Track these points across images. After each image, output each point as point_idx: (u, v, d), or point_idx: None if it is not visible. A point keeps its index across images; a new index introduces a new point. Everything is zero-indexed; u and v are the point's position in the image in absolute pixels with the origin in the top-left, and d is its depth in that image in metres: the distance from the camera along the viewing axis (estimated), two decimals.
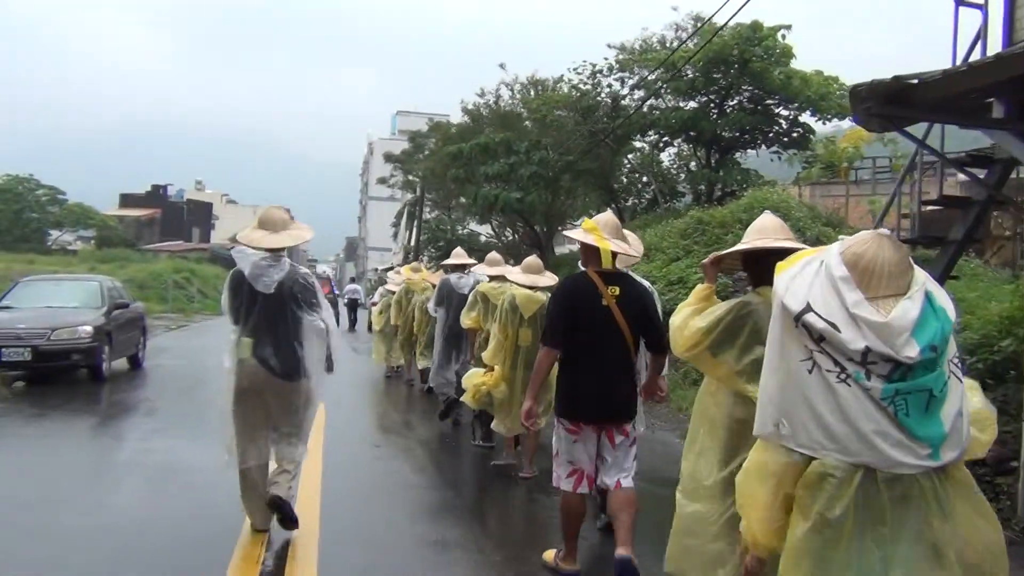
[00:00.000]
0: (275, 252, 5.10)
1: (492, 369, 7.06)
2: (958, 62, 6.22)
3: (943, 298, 2.45)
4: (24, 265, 35.80)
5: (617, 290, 4.50)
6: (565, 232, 5.50)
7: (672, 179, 24.65)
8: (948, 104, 5.12)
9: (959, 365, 2.45)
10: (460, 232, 35.17)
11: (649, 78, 21.49)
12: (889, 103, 5.03)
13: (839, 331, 2.34)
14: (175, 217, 73.27)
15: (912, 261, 2.48)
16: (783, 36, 19.54)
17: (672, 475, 3.76)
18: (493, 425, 7.31)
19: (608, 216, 4.93)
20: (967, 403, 2.46)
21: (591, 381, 4.48)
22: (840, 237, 3.25)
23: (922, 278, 2.46)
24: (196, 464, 7.13)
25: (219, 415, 5.18)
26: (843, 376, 2.35)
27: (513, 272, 7.32)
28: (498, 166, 21.68)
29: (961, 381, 2.44)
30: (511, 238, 34.17)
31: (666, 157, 25.72)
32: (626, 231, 5.03)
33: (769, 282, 2.75)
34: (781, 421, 2.46)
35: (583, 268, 4.75)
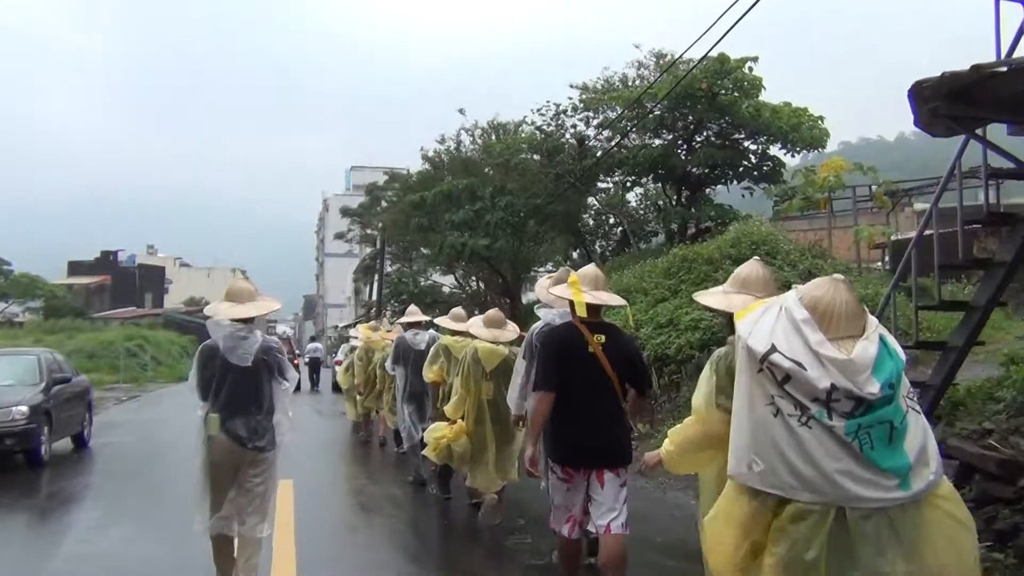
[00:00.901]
0: (245, 323, 5.09)
1: (454, 422, 7.04)
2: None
3: (894, 341, 2.61)
4: None
5: (603, 338, 4.69)
6: (551, 290, 5.60)
7: (641, 219, 23.97)
8: (1020, 102, 4.37)
9: (915, 399, 2.59)
10: (422, 284, 34.17)
11: (614, 117, 20.89)
12: (956, 102, 4.26)
13: (805, 369, 2.43)
14: (126, 283, 71.34)
15: (864, 307, 2.62)
16: (750, 68, 19.06)
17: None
18: (468, 482, 7.29)
19: (590, 269, 5.07)
20: (931, 436, 2.55)
21: (582, 427, 4.61)
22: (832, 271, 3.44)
23: (874, 322, 2.61)
24: (149, 560, 6.23)
25: (191, 483, 5.16)
26: (804, 419, 2.44)
27: (475, 325, 7.31)
28: (463, 213, 20.84)
29: (920, 413, 2.55)
30: (475, 288, 33.30)
31: (633, 197, 25.08)
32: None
33: None
34: (754, 460, 2.53)
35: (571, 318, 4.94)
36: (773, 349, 2.51)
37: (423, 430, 8.22)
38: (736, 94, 18.96)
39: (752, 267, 3.62)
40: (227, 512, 5.07)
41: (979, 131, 4.61)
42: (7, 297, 58.11)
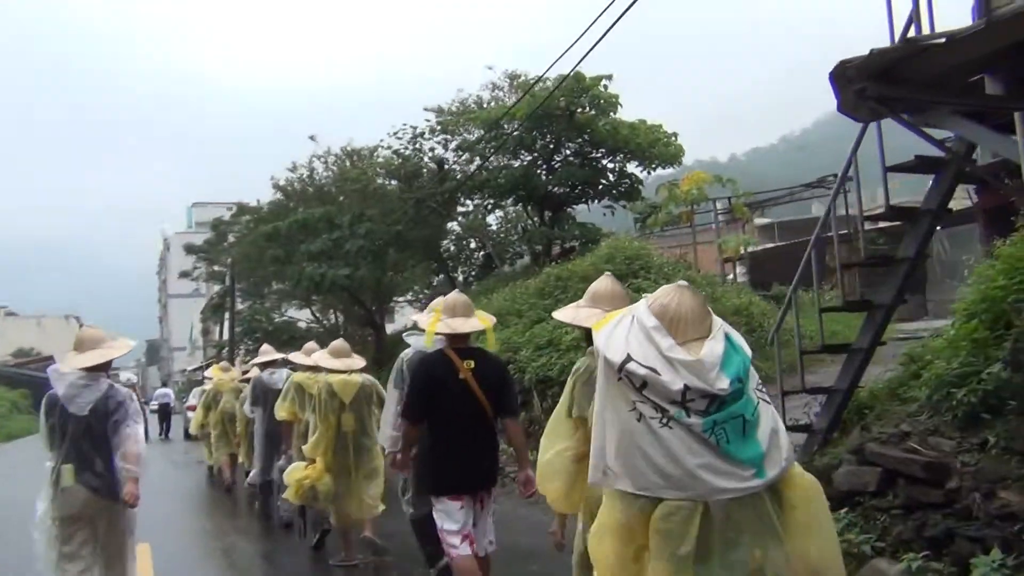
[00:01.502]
0: (92, 371, 5.01)
1: (314, 461, 6.90)
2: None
3: (739, 337, 2.75)
4: None
5: (472, 363, 4.83)
6: (417, 318, 5.94)
7: (503, 241, 23.66)
8: (945, 81, 4.17)
9: (763, 391, 2.72)
10: (277, 320, 32.65)
11: (473, 139, 20.55)
12: (883, 82, 4.00)
13: (659, 374, 2.56)
14: None
15: (709, 308, 2.75)
16: (605, 86, 19.14)
17: None
18: (332, 519, 7.20)
19: (452, 296, 5.18)
20: (780, 423, 2.70)
21: (465, 455, 4.78)
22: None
23: (719, 322, 2.74)
24: None
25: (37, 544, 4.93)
26: (665, 420, 2.56)
27: (323, 359, 7.26)
28: (320, 242, 19.87)
29: (769, 403, 2.71)
30: (334, 321, 32.10)
31: (494, 220, 24.78)
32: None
33: None
34: (607, 468, 2.66)
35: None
36: (629, 358, 2.62)
37: (279, 470, 8.28)
38: (593, 112, 18.99)
39: (603, 282, 3.92)
40: (82, 572, 4.89)
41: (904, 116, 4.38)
42: None
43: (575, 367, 3.80)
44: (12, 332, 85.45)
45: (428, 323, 5.02)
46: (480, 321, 5.16)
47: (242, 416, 11.09)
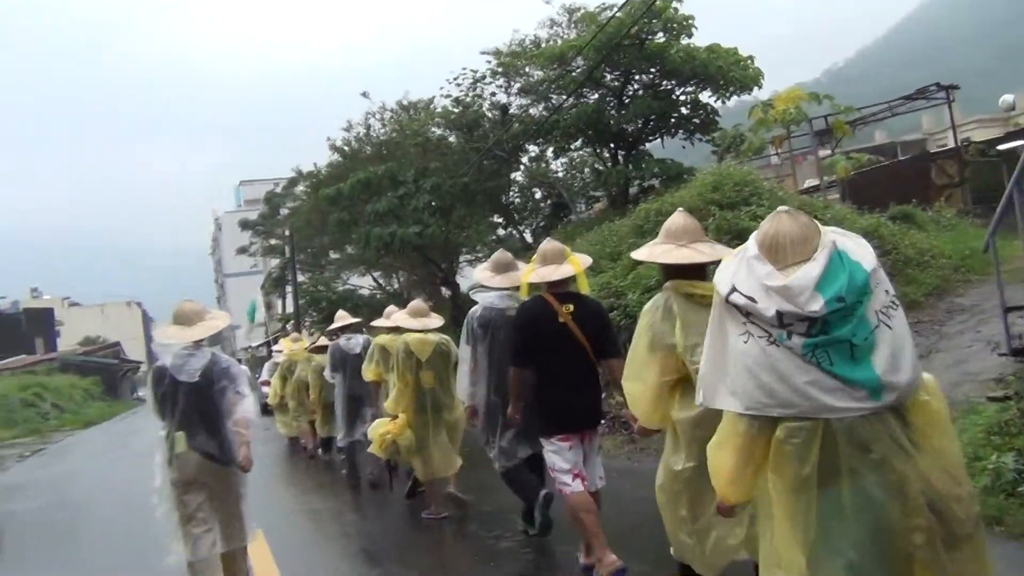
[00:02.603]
0: (196, 342, 5.18)
1: (396, 417, 7.10)
2: None
3: (859, 253, 2.68)
4: None
5: (571, 307, 4.99)
6: (477, 275, 6.43)
7: (573, 187, 22.51)
8: None
9: (892, 309, 2.63)
10: (339, 289, 32.04)
11: (536, 79, 19.36)
12: None
13: (756, 302, 2.65)
14: (12, 330, 66.12)
15: (819, 226, 2.74)
16: (675, 9, 17.76)
17: None
18: (414, 472, 7.44)
19: (547, 244, 5.30)
20: (907, 344, 2.62)
21: (565, 394, 4.94)
22: None
23: (829, 239, 2.70)
24: None
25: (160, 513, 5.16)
26: (771, 340, 2.62)
27: (401, 318, 7.50)
28: (386, 201, 18.97)
29: (891, 328, 2.59)
30: (396, 287, 31.38)
31: (558, 166, 23.61)
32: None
33: (676, 275, 3.87)
34: (719, 388, 2.77)
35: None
36: (733, 289, 2.72)
37: (364, 432, 8.56)
38: (666, 37, 17.63)
39: (675, 218, 4.07)
40: (204, 532, 5.07)
41: None
42: None
43: (649, 305, 3.94)
44: (77, 321, 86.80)
45: (523, 274, 5.25)
46: (572, 265, 5.23)
47: (316, 384, 11.28)
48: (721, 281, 2.80)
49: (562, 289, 5.10)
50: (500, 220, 24.45)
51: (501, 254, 6.35)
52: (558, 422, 4.95)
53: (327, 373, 9.90)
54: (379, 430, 7.23)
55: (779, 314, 2.60)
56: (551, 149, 21.20)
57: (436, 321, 7.41)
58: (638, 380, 3.88)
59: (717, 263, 3.45)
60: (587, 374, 5.03)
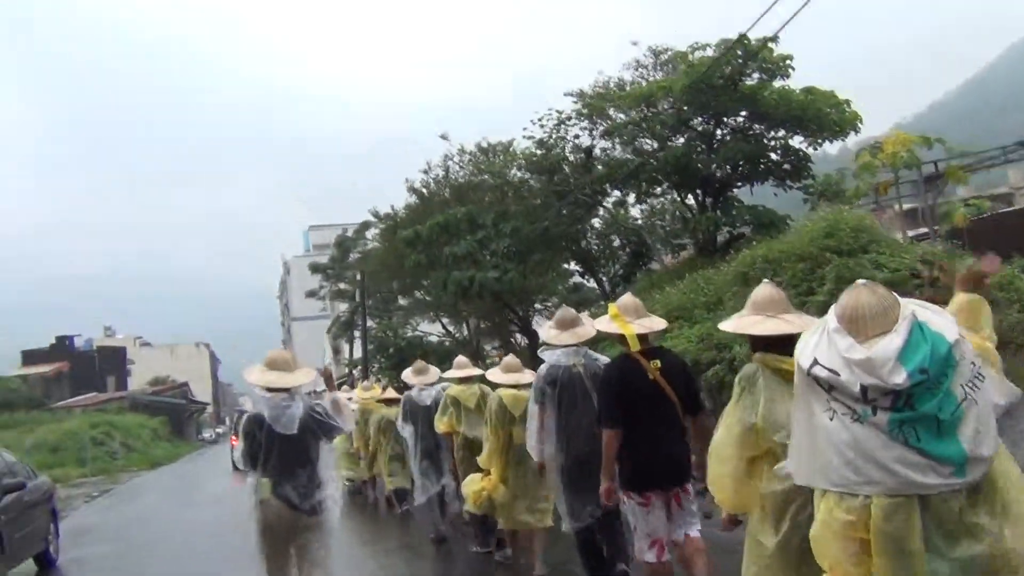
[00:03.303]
0: (289, 392, 5.27)
1: (488, 472, 7.12)
2: None
3: (940, 324, 2.68)
4: None
5: (659, 363, 4.93)
6: (595, 323, 5.68)
7: (658, 233, 21.75)
8: None
9: (975, 384, 2.61)
10: (408, 336, 31.65)
11: (623, 119, 18.77)
12: None
13: (839, 375, 2.65)
14: (86, 368, 67.62)
15: (897, 298, 2.77)
16: (771, 49, 17.05)
17: None
18: (502, 525, 7.38)
19: (627, 299, 5.31)
20: (990, 417, 2.63)
21: (654, 451, 4.81)
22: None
23: (909, 311, 2.71)
24: None
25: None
26: (855, 416, 2.62)
27: (494, 374, 7.53)
28: (465, 244, 18.45)
29: (977, 403, 2.58)
30: (465, 334, 30.86)
31: (638, 212, 22.87)
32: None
33: (764, 348, 3.75)
34: (803, 466, 2.83)
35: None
36: (815, 362, 2.73)
37: (441, 485, 8.87)
38: (763, 78, 16.92)
39: (761, 289, 4.04)
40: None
41: None
42: None
43: (740, 374, 3.85)
44: (147, 361, 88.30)
45: (613, 327, 5.10)
46: (660, 320, 5.45)
47: (378, 437, 11.36)
48: (802, 355, 2.82)
49: (647, 345, 5.03)
50: (577, 267, 23.76)
51: (565, 311, 6.37)
52: (642, 478, 4.85)
53: (398, 424, 9.71)
54: (473, 486, 7.24)
55: (863, 388, 2.60)
56: (633, 194, 20.49)
57: (529, 376, 7.18)
58: (719, 461, 3.78)
59: None
60: (677, 431, 4.94)
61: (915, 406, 2.53)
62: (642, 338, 5.00)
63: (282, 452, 5.18)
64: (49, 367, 63.83)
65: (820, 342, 2.77)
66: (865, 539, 2.65)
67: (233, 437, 29.08)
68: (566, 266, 24.65)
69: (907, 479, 2.52)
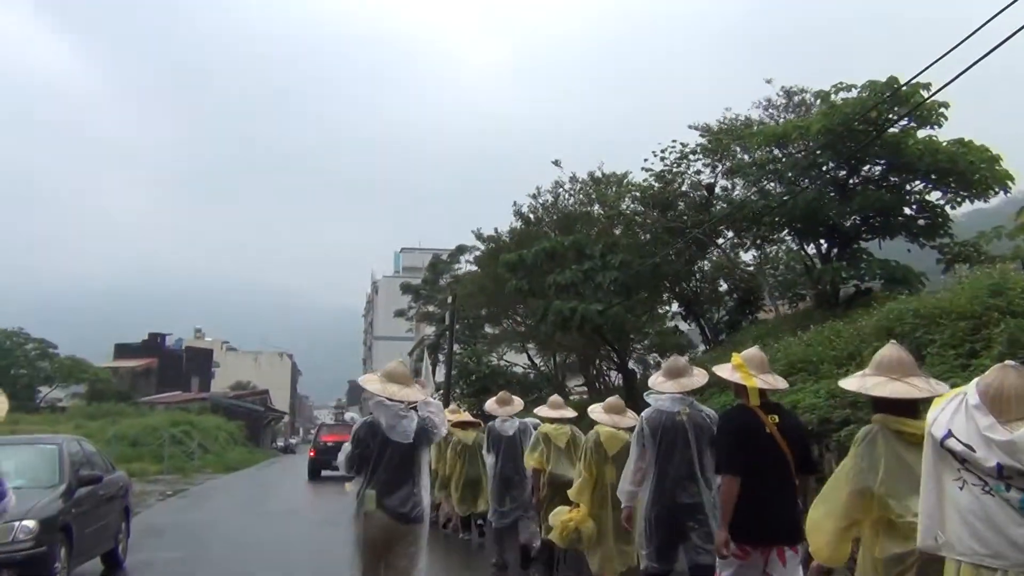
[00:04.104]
0: (400, 402, 5.36)
1: (577, 506, 7.14)
2: None
3: None
4: (7, 426, 31.46)
5: (776, 418, 4.92)
6: (715, 369, 5.34)
7: (767, 281, 20.53)
8: None
9: None
10: (493, 364, 30.96)
11: (748, 159, 17.72)
12: None
13: (974, 451, 2.70)
14: (173, 366, 69.00)
15: None
16: (922, 95, 15.76)
17: None
18: (591, 566, 7.26)
19: (754, 352, 5.24)
20: None
21: (765, 506, 4.71)
22: None
23: None
24: None
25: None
26: (987, 489, 2.68)
27: (596, 411, 7.51)
28: (570, 273, 17.56)
29: None
30: (550, 368, 30.00)
31: (749, 257, 21.71)
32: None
33: (886, 409, 3.74)
34: (938, 533, 2.81)
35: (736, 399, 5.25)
36: (949, 434, 2.78)
37: (516, 516, 9.12)
38: (912, 124, 15.65)
39: (888, 350, 4.05)
40: None
41: None
42: (52, 381, 55.95)
43: (859, 434, 3.85)
44: (232, 365, 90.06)
45: (736, 377, 5.05)
46: (780, 379, 5.30)
47: (452, 461, 11.23)
48: (936, 424, 2.86)
49: (764, 399, 5.01)
50: (680, 309, 22.67)
51: (675, 359, 6.36)
52: (745, 530, 4.73)
53: (484, 452, 10.08)
54: (561, 517, 7.26)
55: (999, 467, 2.65)
56: (749, 239, 19.31)
57: (630, 420, 7.18)
58: (826, 514, 3.76)
59: (930, 400, 3.40)
60: (789, 488, 4.88)
61: None
62: (761, 393, 4.98)
63: (391, 460, 5.29)
64: (139, 362, 65.32)
65: (957, 415, 2.81)
66: None
67: (311, 450, 29.36)
68: (667, 307, 23.64)
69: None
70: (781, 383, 5.25)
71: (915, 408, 3.74)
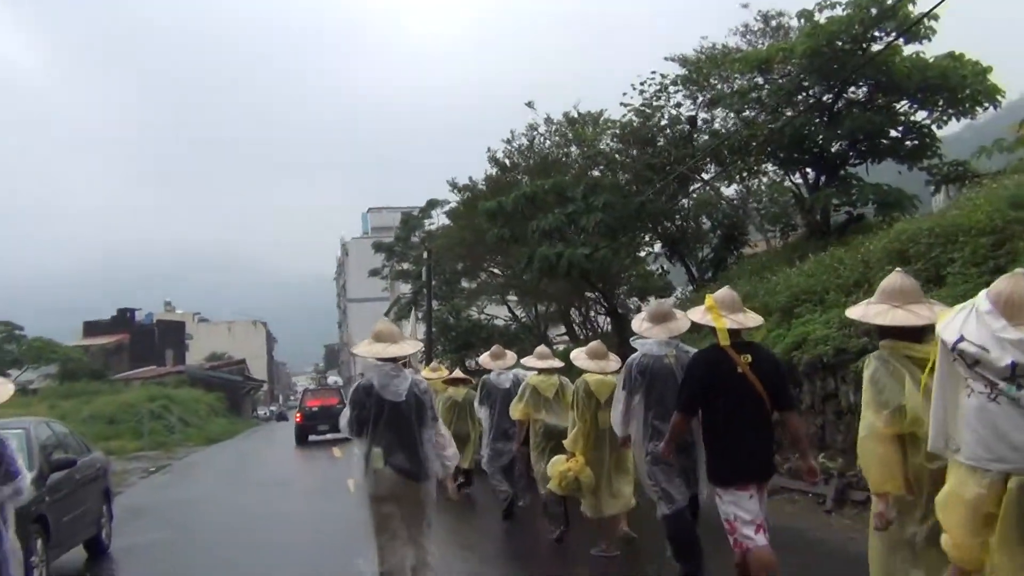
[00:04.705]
0: (396, 362, 5.53)
1: (574, 455, 7.24)
2: None
3: None
4: None
5: (749, 357, 4.98)
6: (688, 313, 5.51)
7: (751, 215, 20.02)
8: None
9: None
10: (473, 318, 30.44)
11: (730, 89, 17.07)
12: None
13: (989, 352, 2.82)
14: (145, 341, 67.85)
15: None
16: (911, 8, 15.12)
17: None
18: (582, 508, 7.42)
19: (725, 292, 5.31)
20: None
21: (745, 444, 4.91)
22: None
23: None
24: None
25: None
26: (994, 395, 2.81)
27: (580, 358, 7.50)
28: (553, 218, 16.94)
29: None
30: (531, 318, 29.54)
31: (733, 191, 21.10)
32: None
33: (892, 336, 3.83)
34: (950, 437, 2.97)
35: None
36: (961, 338, 2.89)
37: (512, 454, 9.35)
38: (898, 40, 15.04)
39: (892, 278, 4.06)
40: (397, 544, 5.35)
41: None
42: (21, 363, 54.64)
43: (868, 362, 3.89)
44: (205, 337, 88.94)
45: (707, 319, 5.12)
46: (756, 316, 5.37)
47: (446, 417, 10.79)
48: (946, 330, 2.99)
49: (738, 339, 5.07)
50: (663, 250, 22.11)
51: (659, 304, 6.45)
52: (738, 471, 4.92)
53: (475, 406, 10.16)
54: (559, 467, 7.30)
55: (1013, 365, 2.77)
56: (739, 171, 18.68)
57: (614, 364, 7.38)
58: (869, 438, 3.73)
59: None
60: (764, 425, 5.00)
61: None
62: (734, 333, 5.04)
63: (391, 419, 5.35)
64: (110, 339, 64.07)
65: (968, 321, 2.92)
66: (990, 513, 2.84)
67: (298, 415, 28.97)
68: (650, 249, 23.07)
69: None
70: (752, 321, 5.26)
71: (920, 335, 3.80)
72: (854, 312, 4.18)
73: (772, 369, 5.07)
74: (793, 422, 5.18)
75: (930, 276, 9.11)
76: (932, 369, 3.22)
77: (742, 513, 4.82)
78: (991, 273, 8.68)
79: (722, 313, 5.04)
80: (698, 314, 5.28)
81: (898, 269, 4.23)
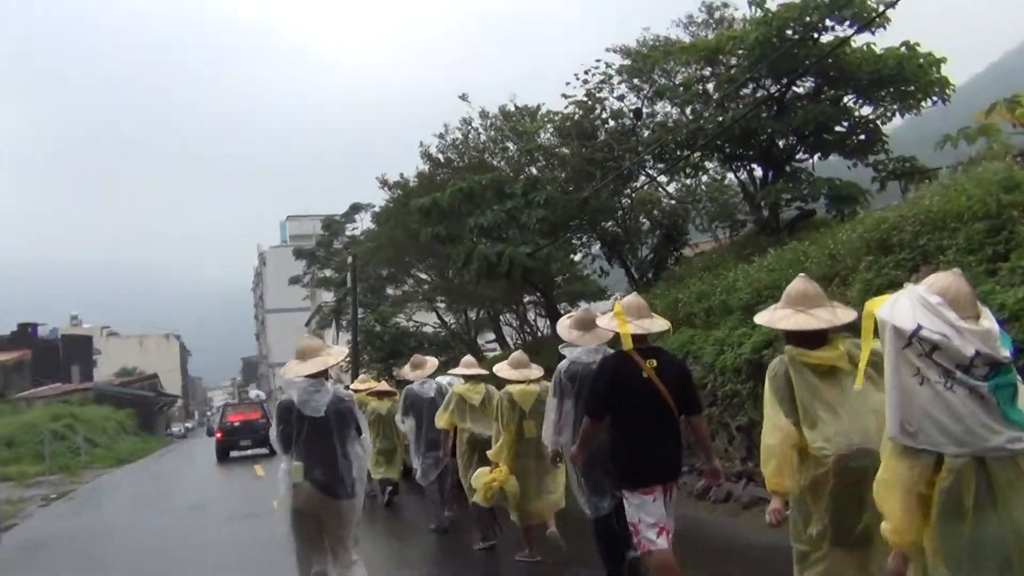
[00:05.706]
0: (316, 378, 5.41)
1: (498, 466, 7.30)
2: None
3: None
4: None
5: (654, 362, 5.11)
6: (598, 321, 5.78)
7: (689, 215, 19.37)
8: None
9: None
10: (401, 326, 29.26)
11: (674, 83, 16.38)
12: None
13: (951, 340, 2.87)
14: (49, 357, 64.13)
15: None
16: None
17: None
18: (512, 517, 7.52)
19: (632, 298, 5.46)
20: None
21: (649, 447, 5.04)
22: None
23: (984, 308, 3.03)
24: None
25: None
26: (948, 384, 2.87)
27: (503, 369, 7.64)
28: (492, 214, 15.95)
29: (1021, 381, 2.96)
30: (460, 324, 28.60)
31: (673, 188, 20.42)
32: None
33: (793, 341, 3.97)
34: (906, 423, 2.97)
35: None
36: (920, 327, 2.90)
37: (443, 468, 9.14)
38: (849, 29, 14.52)
39: (796, 283, 4.16)
40: (316, 557, 5.38)
41: None
42: None
43: (769, 369, 4.06)
44: (115, 351, 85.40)
45: (613, 324, 5.30)
46: (663, 321, 5.59)
47: (371, 430, 10.80)
48: (897, 318, 2.97)
49: (644, 344, 5.21)
50: (602, 251, 21.31)
51: (585, 312, 6.56)
52: (642, 475, 5.04)
53: (398, 418, 10.02)
54: (483, 479, 7.35)
55: (975, 355, 2.84)
56: (683, 167, 17.98)
57: (537, 372, 7.54)
58: (769, 437, 3.89)
59: (839, 328, 3.98)
60: (670, 428, 5.12)
61: (1002, 375, 2.85)
62: (640, 338, 5.18)
63: (311, 434, 5.34)
64: (9, 355, 60.28)
65: (918, 311, 2.94)
66: (924, 494, 2.95)
67: (218, 432, 28.11)
68: (587, 250, 22.27)
69: (989, 443, 2.81)
70: (657, 325, 5.41)
71: (824, 337, 3.93)
72: (761, 318, 4.27)
73: (677, 373, 5.24)
74: (697, 426, 5.34)
75: (916, 265, 8.41)
76: (862, 363, 3.41)
77: (646, 516, 4.95)
78: (989, 260, 8.05)
79: (628, 319, 5.18)
80: (605, 320, 5.52)
81: (801, 275, 4.29)
